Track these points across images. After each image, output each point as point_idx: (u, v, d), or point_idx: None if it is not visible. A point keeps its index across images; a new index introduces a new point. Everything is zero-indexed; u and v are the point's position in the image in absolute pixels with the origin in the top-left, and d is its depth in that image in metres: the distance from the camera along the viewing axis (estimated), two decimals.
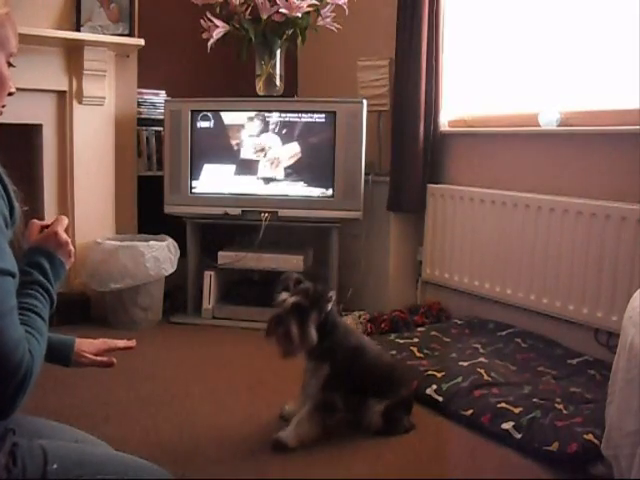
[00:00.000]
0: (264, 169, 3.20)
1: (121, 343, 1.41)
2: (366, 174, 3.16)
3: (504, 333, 2.78)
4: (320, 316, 1.90)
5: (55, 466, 1.06)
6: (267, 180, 3.20)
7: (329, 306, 1.92)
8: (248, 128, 3.20)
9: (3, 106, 1.12)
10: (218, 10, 3.18)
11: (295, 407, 2.05)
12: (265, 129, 3.19)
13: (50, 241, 1.15)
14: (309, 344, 1.88)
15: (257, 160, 3.20)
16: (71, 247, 1.18)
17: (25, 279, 1.07)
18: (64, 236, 1.17)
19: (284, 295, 1.91)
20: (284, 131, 3.17)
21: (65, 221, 1.20)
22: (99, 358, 1.34)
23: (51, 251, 1.14)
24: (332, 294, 1.93)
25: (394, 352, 2.57)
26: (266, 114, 3.18)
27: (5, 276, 0.97)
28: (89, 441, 1.36)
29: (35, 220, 1.21)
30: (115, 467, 1.15)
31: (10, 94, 1.12)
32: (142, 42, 3.20)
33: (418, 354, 2.57)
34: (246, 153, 3.21)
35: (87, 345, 1.35)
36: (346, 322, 2.04)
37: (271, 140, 3.19)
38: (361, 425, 2.04)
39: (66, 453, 1.13)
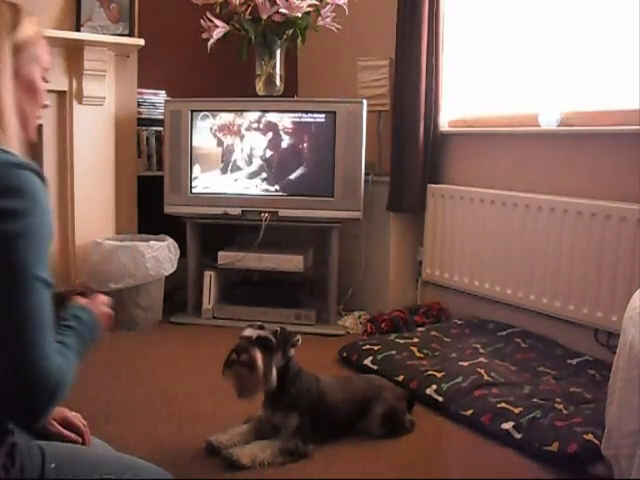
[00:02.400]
0: (264, 169, 3.20)
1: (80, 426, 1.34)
2: (366, 174, 3.16)
3: (504, 333, 2.78)
4: (283, 358, 1.86)
5: (53, 465, 1.06)
6: (267, 180, 3.20)
7: (292, 351, 1.88)
8: (248, 128, 3.20)
9: (38, 117, 1.16)
10: (218, 10, 3.19)
11: (230, 438, 1.90)
12: (265, 129, 3.19)
13: (99, 309, 1.23)
14: (269, 384, 1.82)
15: (257, 160, 3.20)
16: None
17: (68, 324, 1.13)
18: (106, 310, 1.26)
19: (249, 331, 1.86)
20: (284, 131, 3.17)
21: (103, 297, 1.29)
22: (66, 432, 1.29)
23: (98, 321, 1.20)
24: (298, 338, 1.89)
25: (394, 352, 2.58)
26: (266, 114, 3.18)
27: (46, 287, 1.00)
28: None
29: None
30: (113, 467, 1.15)
31: (44, 106, 1.16)
32: (142, 42, 3.20)
33: (418, 354, 2.57)
34: (246, 153, 3.21)
35: (55, 414, 1.30)
36: (305, 370, 1.98)
37: (271, 140, 3.19)
38: (361, 430, 2.04)
39: (64, 453, 1.13)
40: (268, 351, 1.82)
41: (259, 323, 1.94)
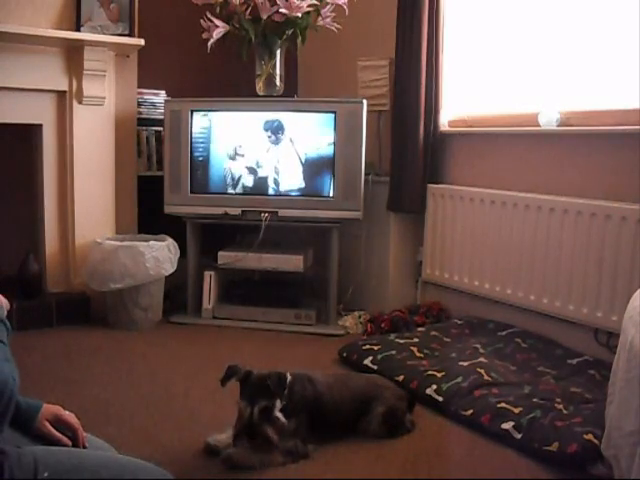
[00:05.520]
0: (264, 169, 3.20)
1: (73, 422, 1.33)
2: (366, 174, 3.16)
3: (504, 333, 2.78)
4: (282, 399, 1.84)
5: (46, 474, 1.04)
6: (267, 180, 3.20)
7: (286, 390, 1.85)
8: (248, 128, 3.20)
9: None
10: (218, 10, 3.18)
11: (228, 438, 1.88)
12: (265, 129, 3.19)
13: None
14: (285, 430, 1.83)
15: (257, 160, 3.20)
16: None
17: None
18: None
19: (243, 403, 1.81)
20: (284, 131, 3.17)
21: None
22: (57, 435, 1.27)
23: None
24: (288, 376, 1.86)
25: (394, 352, 2.58)
26: (266, 114, 3.18)
27: None
28: (89, 441, 1.35)
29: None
30: (110, 470, 1.13)
31: None
32: (142, 42, 3.20)
33: (418, 354, 2.57)
34: (246, 153, 3.21)
35: (48, 414, 1.29)
36: (298, 373, 1.98)
37: (271, 140, 3.19)
38: (361, 430, 2.04)
39: (58, 460, 1.11)
40: (271, 412, 1.81)
41: (236, 365, 1.90)
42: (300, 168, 3.18)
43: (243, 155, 3.21)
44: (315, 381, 2.01)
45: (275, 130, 3.18)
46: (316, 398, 1.97)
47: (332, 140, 3.10)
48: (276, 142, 3.18)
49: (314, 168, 3.16)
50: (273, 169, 3.20)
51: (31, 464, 1.04)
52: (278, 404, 1.83)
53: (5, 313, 1.18)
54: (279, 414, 1.83)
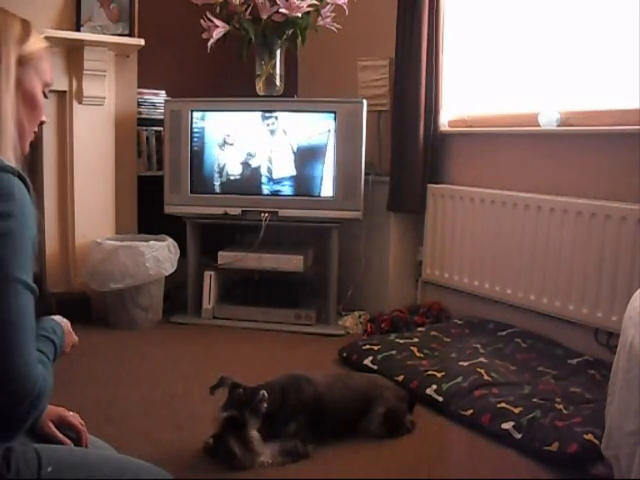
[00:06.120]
0: (264, 169, 3.20)
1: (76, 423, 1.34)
2: (366, 174, 3.16)
3: (504, 333, 2.78)
4: (258, 416, 1.84)
5: (50, 469, 1.05)
6: (267, 180, 3.20)
7: (264, 405, 1.84)
8: (248, 128, 3.20)
9: (35, 132, 1.18)
10: (218, 10, 3.18)
11: None
12: (265, 129, 3.19)
13: (68, 330, 1.26)
14: (258, 449, 1.82)
15: (257, 160, 3.20)
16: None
17: (50, 336, 1.16)
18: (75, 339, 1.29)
19: (217, 413, 1.85)
20: (284, 131, 3.17)
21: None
22: (60, 436, 1.28)
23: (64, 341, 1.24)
24: (263, 393, 1.84)
25: (394, 352, 2.58)
26: (266, 114, 3.18)
27: (29, 292, 1.00)
28: (90, 441, 1.36)
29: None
30: (112, 468, 1.14)
31: (42, 123, 1.19)
32: (142, 42, 3.20)
33: (418, 354, 2.57)
34: (246, 153, 3.21)
35: (52, 414, 1.30)
36: (296, 375, 2.00)
37: (271, 140, 3.19)
38: (361, 430, 2.04)
39: (61, 456, 1.12)
40: (241, 425, 1.81)
41: (223, 376, 1.92)
42: (300, 168, 3.18)
43: (242, 155, 3.21)
44: (314, 382, 2.00)
45: (275, 130, 3.18)
46: (316, 399, 1.96)
47: (332, 140, 3.10)
48: (275, 142, 3.18)
49: (314, 168, 3.16)
50: (272, 169, 3.20)
51: (35, 459, 1.06)
52: (253, 420, 1.82)
53: (66, 343, 1.24)
54: (253, 432, 1.82)
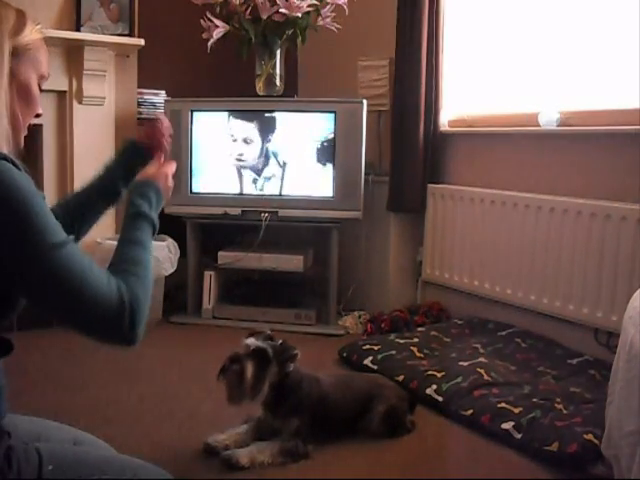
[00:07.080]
0: (264, 169, 3.20)
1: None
2: (366, 174, 3.16)
3: (504, 333, 2.78)
4: (280, 372, 1.85)
5: (50, 467, 1.06)
6: (267, 180, 3.20)
7: (292, 366, 1.87)
8: (248, 128, 3.20)
9: (29, 126, 1.16)
10: (218, 10, 3.18)
11: (227, 438, 1.90)
12: (265, 129, 3.19)
13: (160, 180, 1.35)
14: (258, 396, 1.82)
15: (257, 160, 3.20)
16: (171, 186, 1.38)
17: (134, 211, 1.21)
18: (171, 181, 1.40)
19: (250, 340, 1.85)
20: (284, 131, 3.17)
21: (174, 165, 1.49)
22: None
23: (159, 188, 1.31)
24: (297, 352, 1.87)
25: (394, 352, 2.58)
26: (266, 114, 3.18)
27: (66, 246, 1.06)
28: (89, 441, 1.36)
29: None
30: (112, 468, 1.15)
31: (37, 116, 1.18)
32: (142, 42, 3.20)
33: (418, 354, 2.57)
34: (245, 153, 3.21)
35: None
36: (306, 373, 1.99)
37: (270, 140, 3.19)
38: (362, 429, 2.04)
39: (62, 455, 1.12)
40: (263, 363, 1.82)
41: (269, 332, 1.94)
42: (300, 168, 3.17)
43: (243, 155, 3.21)
44: (321, 382, 2.01)
45: (275, 130, 3.18)
46: (321, 398, 1.97)
47: (332, 140, 3.10)
48: (276, 142, 3.18)
49: (314, 168, 3.16)
50: (273, 169, 3.20)
51: (36, 458, 1.06)
52: (273, 372, 1.83)
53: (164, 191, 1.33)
54: (267, 380, 1.82)
